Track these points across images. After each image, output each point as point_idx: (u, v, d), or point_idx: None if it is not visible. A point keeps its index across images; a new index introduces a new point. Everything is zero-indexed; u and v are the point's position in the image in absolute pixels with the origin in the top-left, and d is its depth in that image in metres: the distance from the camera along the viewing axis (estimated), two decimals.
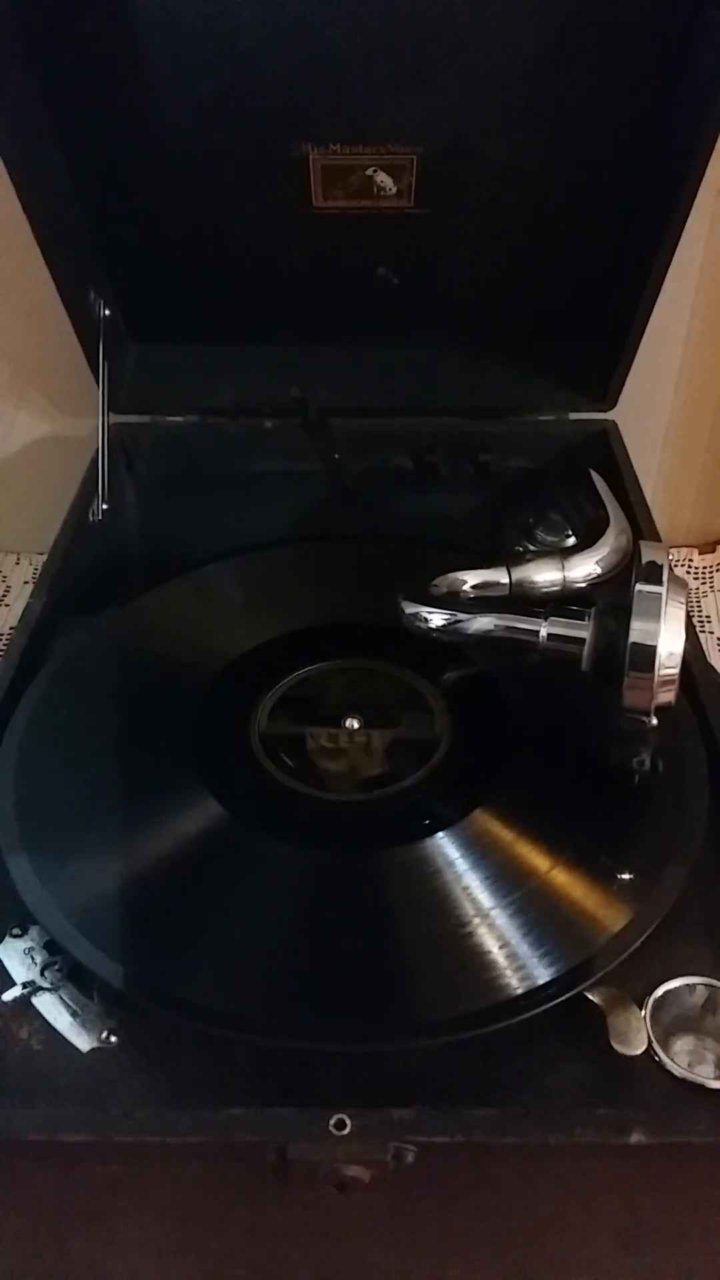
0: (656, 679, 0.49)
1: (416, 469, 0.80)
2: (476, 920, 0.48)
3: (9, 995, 0.46)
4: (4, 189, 0.64)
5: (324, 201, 0.68)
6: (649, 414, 0.88)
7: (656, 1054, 0.43)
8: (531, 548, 0.68)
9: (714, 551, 0.97)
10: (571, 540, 0.65)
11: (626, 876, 0.49)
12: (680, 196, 0.64)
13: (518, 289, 0.76)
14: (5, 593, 0.94)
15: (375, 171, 0.66)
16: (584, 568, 0.57)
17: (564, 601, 0.55)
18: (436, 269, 0.74)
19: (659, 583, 0.50)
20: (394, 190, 0.67)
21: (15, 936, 0.48)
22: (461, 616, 0.56)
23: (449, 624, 0.56)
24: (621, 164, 0.67)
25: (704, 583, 0.94)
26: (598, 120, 0.65)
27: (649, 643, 0.49)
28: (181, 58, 0.62)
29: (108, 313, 0.74)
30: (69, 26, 0.60)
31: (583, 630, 0.54)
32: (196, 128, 0.65)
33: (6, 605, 0.92)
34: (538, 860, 0.50)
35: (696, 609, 0.90)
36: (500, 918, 0.48)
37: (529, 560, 0.58)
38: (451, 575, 0.57)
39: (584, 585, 0.57)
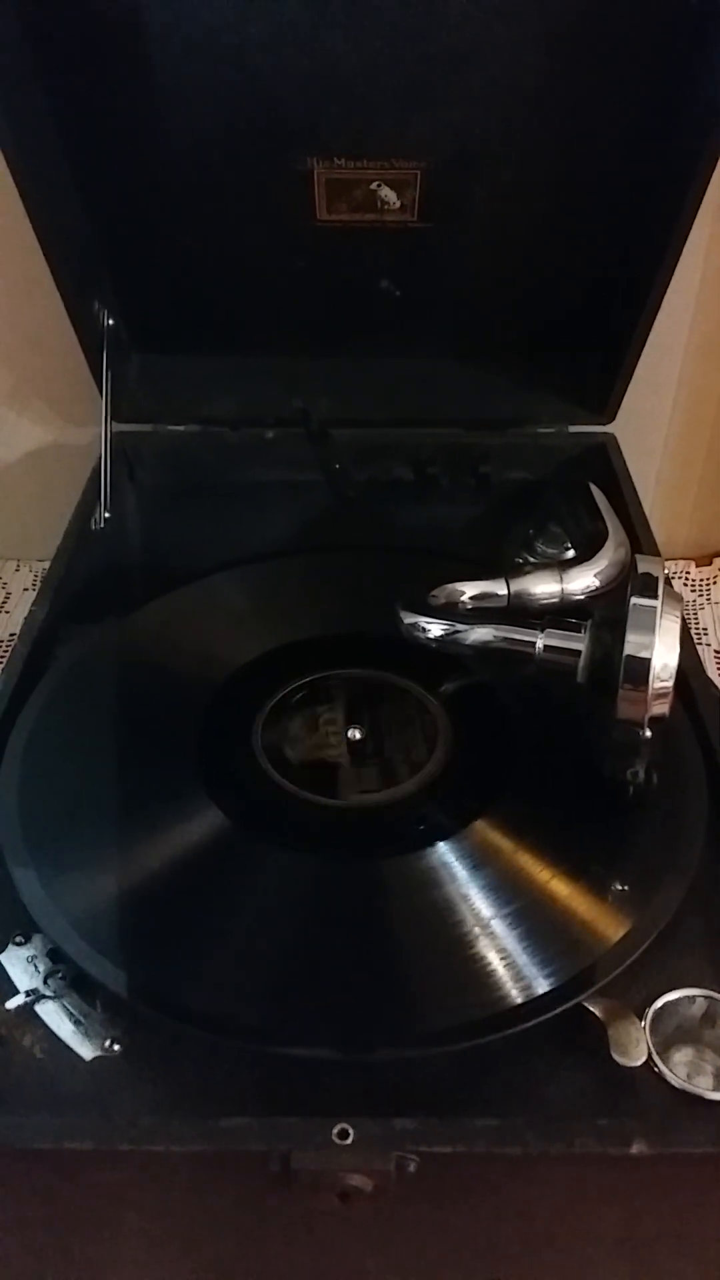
0: (650, 691, 0.49)
1: (417, 480, 0.81)
2: (477, 930, 0.48)
3: (12, 1003, 0.46)
4: (10, 198, 0.65)
5: (328, 215, 0.68)
6: (648, 427, 0.89)
7: (656, 1065, 0.43)
8: (530, 560, 0.68)
9: (711, 564, 0.97)
10: (570, 553, 0.65)
11: (621, 887, 0.49)
12: (681, 213, 0.65)
13: (519, 302, 0.77)
14: (5, 599, 0.94)
15: (379, 186, 0.67)
16: (582, 580, 0.58)
17: (562, 614, 0.56)
18: (438, 282, 0.74)
19: (654, 596, 0.50)
20: (397, 204, 0.68)
21: (18, 944, 0.48)
22: (460, 627, 0.56)
23: (447, 634, 0.56)
24: (623, 180, 0.67)
25: (701, 595, 0.95)
26: (600, 137, 0.65)
27: (643, 655, 0.49)
28: (188, 70, 0.62)
29: (111, 322, 0.75)
30: (76, 38, 0.60)
31: (578, 642, 0.54)
32: (202, 139, 0.66)
33: (6, 612, 0.93)
34: (538, 870, 0.51)
35: (694, 621, 0.91)
36: (500, 928, 0.48)
37: (528, 572, 0.58)
38: (450, 586, 0.57)
39: (582, 598, 0.57)
